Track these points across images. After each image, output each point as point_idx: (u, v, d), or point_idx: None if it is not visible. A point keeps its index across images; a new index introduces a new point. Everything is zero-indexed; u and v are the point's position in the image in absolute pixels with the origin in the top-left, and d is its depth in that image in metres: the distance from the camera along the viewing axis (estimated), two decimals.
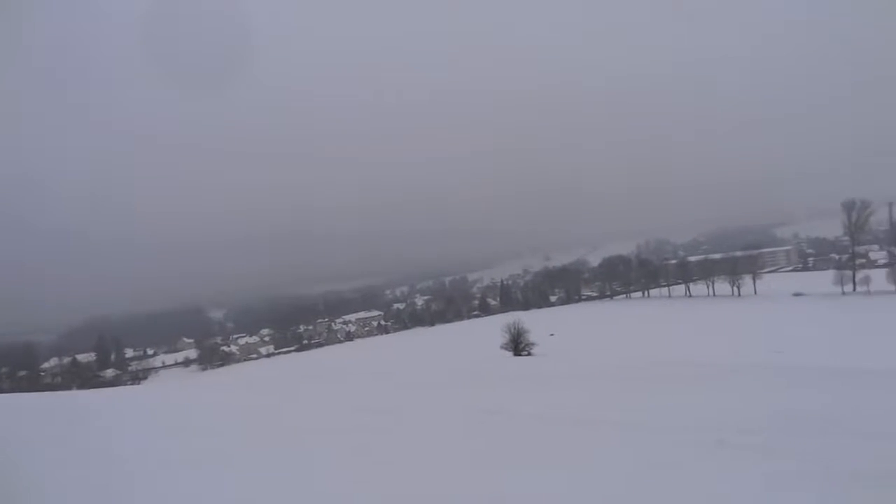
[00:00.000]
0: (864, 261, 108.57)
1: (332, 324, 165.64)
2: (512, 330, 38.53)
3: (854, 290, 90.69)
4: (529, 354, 37.26)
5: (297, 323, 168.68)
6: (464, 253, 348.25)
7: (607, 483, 5.88)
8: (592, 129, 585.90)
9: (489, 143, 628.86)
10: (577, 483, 5.92)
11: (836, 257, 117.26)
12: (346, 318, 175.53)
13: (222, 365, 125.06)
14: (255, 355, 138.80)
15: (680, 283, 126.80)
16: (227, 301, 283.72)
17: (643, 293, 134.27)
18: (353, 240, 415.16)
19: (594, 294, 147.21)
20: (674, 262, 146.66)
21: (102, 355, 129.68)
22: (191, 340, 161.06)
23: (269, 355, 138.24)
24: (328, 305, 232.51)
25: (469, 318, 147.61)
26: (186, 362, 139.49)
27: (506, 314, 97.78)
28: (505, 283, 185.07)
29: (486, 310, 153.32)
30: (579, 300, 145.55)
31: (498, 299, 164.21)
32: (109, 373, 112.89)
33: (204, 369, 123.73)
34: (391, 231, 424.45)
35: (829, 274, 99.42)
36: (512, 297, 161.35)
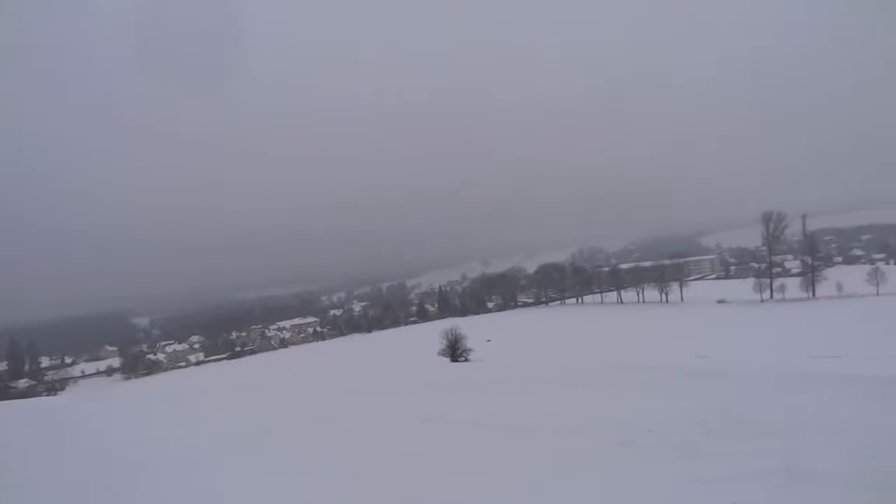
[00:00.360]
0: (780, 269, 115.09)
1: (266, 330, 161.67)
2: (449, 336, 38.60)
3: (771, 297, 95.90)
4: (466, 360, 37.48)
5: (229, 329, 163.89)
6: (402, 259, 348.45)
7: (530, 486, 6.09)
8: (531, 138, 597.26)
9: (426, 150, 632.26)
10: (504, 487, 6.09)
11: (756, 266, 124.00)
12: (281, 324, 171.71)
13: (148, 374, 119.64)
14: (183, 363, 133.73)
15: (612, 290, 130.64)
16: (154, 307, 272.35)
17: (577, 300, 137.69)
18: (291, 244, 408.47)
19: (530, 300, 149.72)
20: (606, 269, 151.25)
21: (15, 364, 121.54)
22: (114, 348, 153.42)
23: (198, 363, 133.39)
24: (263, 311, 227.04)
25: (407, 324, 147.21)
26: (109, 371, 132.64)
27: (443, 320, 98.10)
28: (443, 289, 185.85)
29: (424, 316, 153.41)
30: (516, 306, 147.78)
31: (436, 305, 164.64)
32: (23, 383, 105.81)
33: (128, 378, 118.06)
34: (329, 235, 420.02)
35: (750, 282, 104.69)
36: (450, 303, 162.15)
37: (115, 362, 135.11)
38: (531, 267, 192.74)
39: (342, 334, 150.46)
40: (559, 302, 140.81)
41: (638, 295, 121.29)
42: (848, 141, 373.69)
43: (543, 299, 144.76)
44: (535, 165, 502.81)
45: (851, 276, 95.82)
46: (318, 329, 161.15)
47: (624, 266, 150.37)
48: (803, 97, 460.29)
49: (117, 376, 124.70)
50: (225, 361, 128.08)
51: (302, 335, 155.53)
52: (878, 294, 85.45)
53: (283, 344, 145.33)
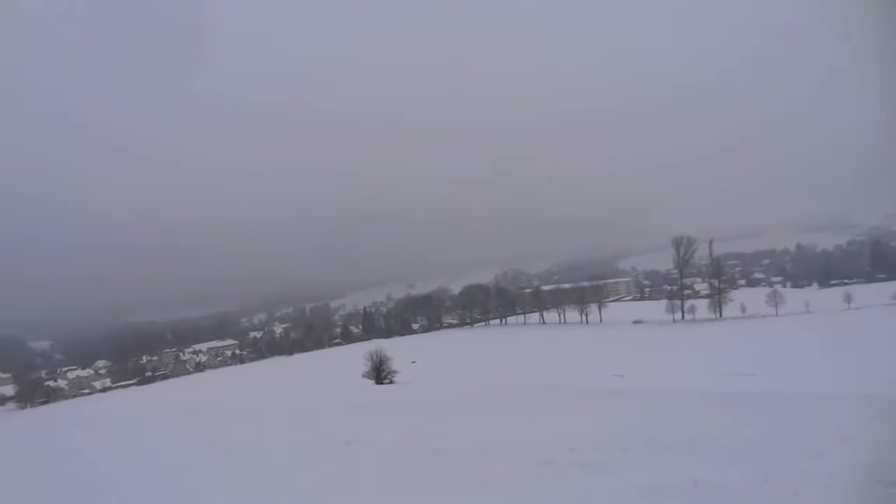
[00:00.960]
0: (690, 291, 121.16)
1: (181, 353, 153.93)
2: (374, 358, 38.07)
3: (683, 317, 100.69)
4: (391, 382, 37.05)
5: (139, 353, 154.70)
6: (326, 279, 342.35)
7: None
8: (457, 160, 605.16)
9: (350, 167, 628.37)
10: None
11: (668, 288, 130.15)
12: (197, 347, 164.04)
13: (47, 402, 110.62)
14: (87, 390, 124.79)
15: (535, 311, 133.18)
16: (55, 330, 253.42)
17: (501, 321, 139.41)
18: (207, 262, 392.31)
19: (455, 321, 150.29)
20: (529, 290, 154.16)
21: None
22: (7, 375, 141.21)
23: (104, 390, 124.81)
24: (176, 334, 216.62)
25: (330, 346, 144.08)
26: (1, 400, 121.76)
27: (368, 342, 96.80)
28: (368, 310, 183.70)
29: (348, 338, 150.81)
30: (441, 327, 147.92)
31: (361, 327, 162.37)
32: None
33: (23, 407, 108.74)
34: (249, 254, 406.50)
35: (663, 303, 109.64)
36: (375, 324, 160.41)
37: (9, 390, 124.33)
38: (456, 288, 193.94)
39: (263, 357, 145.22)
40: (483, 323, 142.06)
41: (559, 316, 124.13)
42: (750, 173, 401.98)
43: (468, 320, 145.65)
44: (461, 187, 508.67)
45: (753, 298, 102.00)
46: (237, 352, 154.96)
47: (546, 288, 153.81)
48: (712, 138, 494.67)
49: (11, 405, 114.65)
50: (134, 387, 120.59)
51: (220, 358, 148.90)
52: (776, 315, 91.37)
53: (200, 368, 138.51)
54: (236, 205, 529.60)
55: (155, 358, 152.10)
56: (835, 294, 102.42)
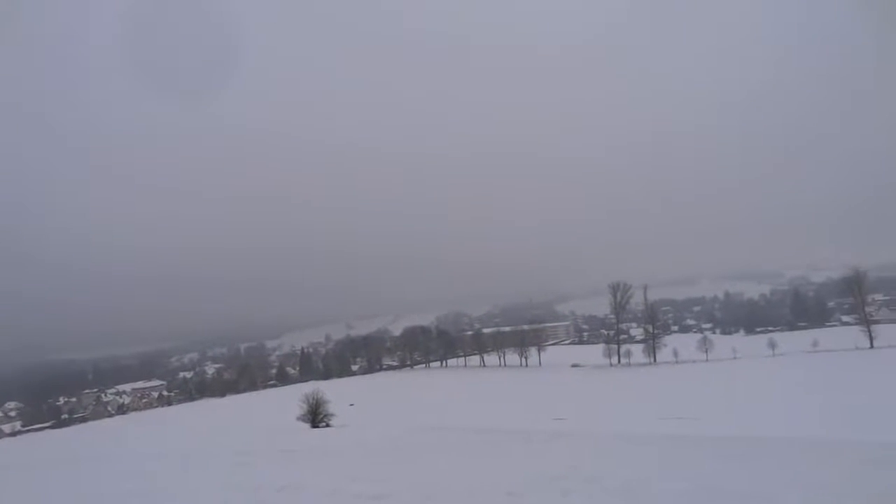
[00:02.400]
0: (626, 336, 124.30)
1: (103, 395, 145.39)
2: (310, 400, 36.95)
3: (619, 361, 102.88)
4: (328, 426, 35.96)
5: (55, 394, 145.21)
6: (262, 318, 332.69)
7: None
8: (399, 199, 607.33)
9: (294, 203, 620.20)
10: None
11: (605, 332, 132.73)
12: (121, 388, 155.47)
13: None
14: None
15: (475, 354, 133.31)
16: None
17: (441, 363, 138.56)
18: (136, 296, 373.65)
19: (395, 363, 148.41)
20: (470, 333, 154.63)
21: None
22: None
23: (14, 434, 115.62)
24: (99, 373, 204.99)
25: (265, 387, 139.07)
26: None
27: (305, 384, 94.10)
28: (305, 350, 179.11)
29: (284, 379, 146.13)
30: (381, 369, 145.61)
31: (297, 368, 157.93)
32: None
33: None
34: (178, 289, 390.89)
35: (600, 347, 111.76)
36: (312, 365, 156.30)
37: None
38: (397, 329, 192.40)
39: (192, 399, 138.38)
40: (424, 365, 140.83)
41: (499, 359, 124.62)
42: (684, 224, 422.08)
43: (408, 362, 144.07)
44: (404, 227, 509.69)
45: (685, 344, 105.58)
46: (165, 393, 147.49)
47: (487, 330, 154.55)
48: (650, 191, 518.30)
49: None
50: (49, 431, 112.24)
51: (145, 400, 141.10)
52: (707, 360, 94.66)
53: (122, 410, 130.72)
54: (168, 234, 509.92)
55: (73, 399, 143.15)
56: (760, 341, 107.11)
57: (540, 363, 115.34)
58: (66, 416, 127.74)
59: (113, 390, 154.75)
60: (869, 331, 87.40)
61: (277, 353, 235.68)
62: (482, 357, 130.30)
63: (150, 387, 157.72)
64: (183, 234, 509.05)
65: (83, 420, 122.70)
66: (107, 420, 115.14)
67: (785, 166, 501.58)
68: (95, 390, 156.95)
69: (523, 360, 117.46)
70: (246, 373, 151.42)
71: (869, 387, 46.91)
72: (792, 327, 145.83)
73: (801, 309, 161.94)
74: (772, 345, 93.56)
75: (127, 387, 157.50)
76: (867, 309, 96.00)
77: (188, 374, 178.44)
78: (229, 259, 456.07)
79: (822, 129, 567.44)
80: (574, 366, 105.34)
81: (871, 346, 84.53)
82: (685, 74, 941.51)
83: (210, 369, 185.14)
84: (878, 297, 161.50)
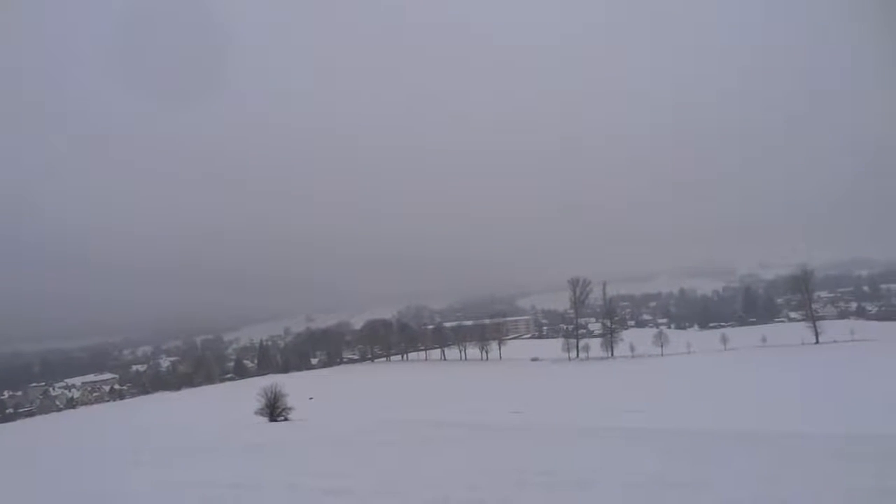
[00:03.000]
0: (584, 331, 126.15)
1: (51, 389, 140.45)
2: (268, 394, 36.40)
3: (577, 356, 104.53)
4: (286, 420, 35.56)
5: (1, 389, 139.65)
6: (220, 311, 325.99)
7: None
8: (365, 192, 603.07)
9: (256, 189, 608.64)
10: None
11: (565, 327, 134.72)
12: (70, 381, 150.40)
13: None
14: None
15: (436, 348, 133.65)
16: None
17: (402, 356, 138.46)
18: (87, 286, 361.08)
19: (356, 357, 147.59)
20: (431, 327, 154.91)
21: None
22: None
23: None
24: (47, 366, 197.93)
25: (222, 381, 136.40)
26: None
27: (264, 377, 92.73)
28: (264, 343, 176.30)
29: (242, 372, 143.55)
30: (341, 363, 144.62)
31: (256, 361, 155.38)
32: None
33: None
34: (135, 277, 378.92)
35: (559, 342, 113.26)
36: (271, 359, 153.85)
37: None
38: (358, 323, 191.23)
39: (146, 392, 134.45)
40: (385, 359, 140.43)
41: (460, 353, 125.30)
42: (643, 220, 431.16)
43: (369, 356, 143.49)
44: (366, 219, 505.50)
45: (641, 338, 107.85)
46: (117, 387, 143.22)
47: (448, 324, 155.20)
48: (610, 189, 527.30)
49: None
50: None
51: (96, 394, 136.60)
52: (662, 355, 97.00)
53: (72, 404, 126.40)
54: (123, 221, 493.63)
55: (19, 393, 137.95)
56: (712, 336, 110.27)
57: (500, 357, 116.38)
58: (10, 410, 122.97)
59: (62, 384, 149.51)
60: (815, 327, 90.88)
61: (235, 346, 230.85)
62: (443, 351, 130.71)
63: (102, 380, 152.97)
64: (137, 219, 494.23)
65: (30, 415, 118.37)
66: (54, 415, 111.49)
67: (739, 169, 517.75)
68: (43, 384, 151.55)
69: (484, 354, 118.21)
70: (202, 366, 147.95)
71: (810, 381, 49.02)
72: (742, 323, 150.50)
73: (751, 305, 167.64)
74: (724, 340, 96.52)
75: (77, 380, 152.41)
76: (813, 306, 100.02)
77: (141, 368, 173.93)
78: (186, 249, 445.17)
79: (776, 135, 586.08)
80: (533, 360, 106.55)
81: (817, 342, 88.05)
82: (642, 74, 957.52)
83: (165, 362, 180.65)
84: (824, 294, 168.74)
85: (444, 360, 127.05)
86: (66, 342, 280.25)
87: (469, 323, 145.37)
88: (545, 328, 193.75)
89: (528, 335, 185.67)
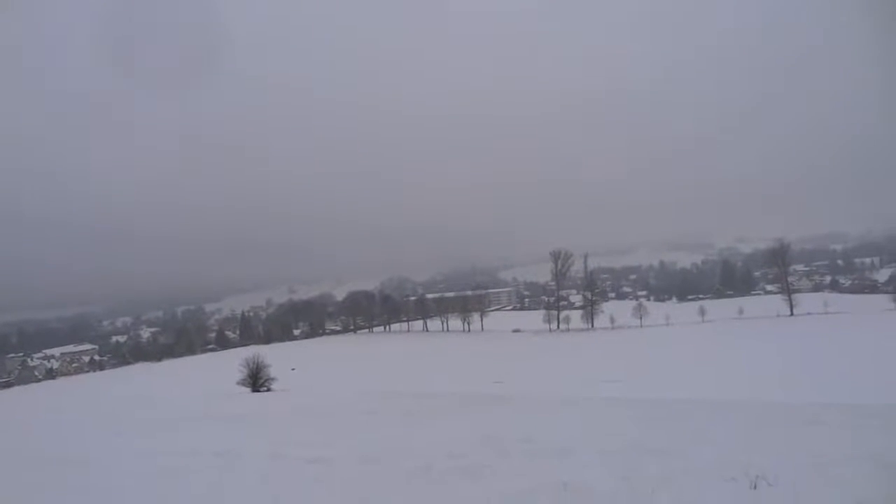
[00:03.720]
0: (566, 303, 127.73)
1: (29, 359, 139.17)
2: (251, 364, 36.48)
3: (559, 327, 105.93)
4: (269, 390, 35.70)
5: None
6: (201, 281, 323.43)
7: None
8: (344, 163, 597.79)
9: (238, 157, 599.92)
10: None
11: (546, 299, 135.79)
12: (49, 352, 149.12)
13: None
14: None
15: (419, 319, 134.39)
16: None
17: (385, 328, 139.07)
18: (64, 255, 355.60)
19: (338, 328, 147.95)
20: (413, 298, 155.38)
21: None
22: None
23: None
24: (25, 337, 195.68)
25: (204, 352, 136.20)
26: None
27: (246, 348, 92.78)
28: (246, 314, 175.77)
29: (223, 343, 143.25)
30: (323, 334, 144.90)
31: (238, 332, 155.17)
32: None
33: None
34: (114, 247, 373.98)
35: (541, 313, 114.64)
36: (253, 330, 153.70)
37: None
38: (340, 294, 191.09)
39: (126, 363, 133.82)
40: (367, 330, 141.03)
41: (442, 324, 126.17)
42: (624, 193, 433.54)
43: (352, 327, 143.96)
44: (349, 191, 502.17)
45: (621, 310, 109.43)
46: (97, 357, 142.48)
47: (430, 296, 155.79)
48: (593, 159, 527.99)
49: None
50: None
51: (75, 365, 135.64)
52: (641, 326, 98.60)
53: (51, 375, 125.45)
54: (99, 188, 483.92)
55: None
56: (691, 308, 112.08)
57: (482, 328, 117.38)
58: None
59: (40, 354, 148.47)
60: (790, 299, 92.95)
61: (217, 316, 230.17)
62: (425, 322, 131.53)
63: (81, 351, 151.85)
64: (118, 184, 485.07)
65: (7, 385, 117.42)
66: (34, 385, 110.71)
67: (719, 140, 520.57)
68: (21, 354, 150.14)
69: (466, 325, 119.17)
70: (183, 337, 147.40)
71: (784, 352, 50.28)
72: (720, 295, 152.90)
73: (729, 278, 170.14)
74: (701, 312, 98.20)
75: (55, 351, 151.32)
76: (789, 279, 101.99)
77: (122, 339, 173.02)
78: (166, 217, 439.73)
79: (753, 104, 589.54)
80: (515, 331, 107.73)
81: (791, 314, 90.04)
82: (621, 37, 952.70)
83: (145, 333, 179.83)
84: (800, 268, 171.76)
85: (427, 331, 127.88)
86: (44, 312, 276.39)
87: (451, 295, 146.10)
88: (527, 300, 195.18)
89: (510, 307, 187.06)
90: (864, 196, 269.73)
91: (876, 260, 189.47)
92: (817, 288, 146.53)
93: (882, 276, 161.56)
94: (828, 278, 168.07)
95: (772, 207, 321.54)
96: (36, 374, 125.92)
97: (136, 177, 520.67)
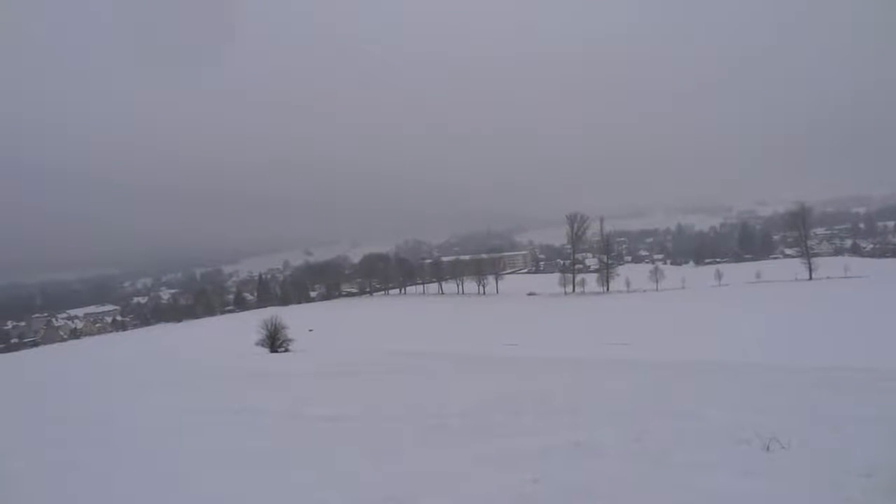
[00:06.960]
0: (581, 266, 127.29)
1: (54, 319, 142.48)
2: (269, 326, 37.01)
3: (574, 290, 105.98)
4: (287, 351, 36.30)
5: (3, 318, 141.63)
6: (219, 243, 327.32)
7: (348, 474, 6.10)
8: (356, 127, 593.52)
9: (258, 115, 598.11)
10: (325, 480, 6.01)
11: (561, 262, 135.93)
12: (72, 312, 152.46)
13: None
14: None
15: (434, 282, 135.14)
16: None
17: (400, 290, 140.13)
18: (85, 218, 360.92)
19: (354, 290, 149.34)
20: (429, 261, 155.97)
21: None
22: None
23: None
24: (48, 298, 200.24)
25: (223, 313, 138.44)
26: None
27: (263, 309, 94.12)
28: (263, 277, 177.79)
29: (241, 305, 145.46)
30: (339, 296, 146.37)
31: (255, 294, 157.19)
32: None
33: None
34: (134, 209, 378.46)
35: (556, 276, 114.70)
36: (271, 291, 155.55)
37: None
38: (356, 257, 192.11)
39: (148, 324, 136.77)
40: (383, 292, 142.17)
41: (458, 286, 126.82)
42: (642, 155, 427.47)
43: (367, 289, 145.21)
44: (364, 151, 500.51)
45: (637, 274, 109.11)
46: (119, 318, 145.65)
47: (446, 259, 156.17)
48: (614, 119, 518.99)
49: None
50: None
51: (98, 325, 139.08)
52: (657, 290, 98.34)
53: (76, 335, 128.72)
54: (118, 150, 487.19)
55: (22, 324, 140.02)
56: (707, 272, 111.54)
57: (497, 291, 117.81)
58: (15, 340, 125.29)
59: (64, 315, 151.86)
60: (809, 263, 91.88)
61: (234, 278, 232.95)
62: (441, 285, 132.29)
63: (103, 312, 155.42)
64: (135, 153, 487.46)
65: (34, 344, 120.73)
66: (59, 344, 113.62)
67: (742, 102, 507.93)
68: (45, 315, 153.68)
69: (481, 288, 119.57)
70: (202, 298, 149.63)
71: (797, 316, 49.90)
72: (738, 259, 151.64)
73: (748, 242, 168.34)
74: (718, 276, 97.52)
75: (79, 311, 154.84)
76: (809, 242, 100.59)
77: (142, 300, 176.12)
78: (186, 182, 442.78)
79: (777, 68, 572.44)
80: (530, 294, 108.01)
81: (810, 278, 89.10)
82: None
83: (165, 294, 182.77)
84: (821, 231, 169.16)
85: (442, 294, 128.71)
86: (65, 274, 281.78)
87: (466, 258, 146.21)
88: (542, 263, 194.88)
89: (525, 270, 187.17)
90: (890, 158, 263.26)
91: None
92: (838, 252, 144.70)
93: None
94: (849, 242, 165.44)
95: (793, 170, 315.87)
96: (61, 333, 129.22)
97: (153, 138, 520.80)
